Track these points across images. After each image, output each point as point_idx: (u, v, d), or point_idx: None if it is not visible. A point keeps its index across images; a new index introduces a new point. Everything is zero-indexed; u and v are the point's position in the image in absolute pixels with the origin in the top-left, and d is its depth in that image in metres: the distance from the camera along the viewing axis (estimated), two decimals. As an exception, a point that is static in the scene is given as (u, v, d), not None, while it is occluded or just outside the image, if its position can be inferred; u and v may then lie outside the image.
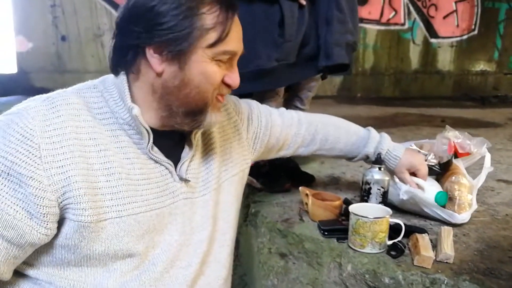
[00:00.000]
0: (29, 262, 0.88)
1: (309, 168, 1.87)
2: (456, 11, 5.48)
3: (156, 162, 0.92)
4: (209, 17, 0.83)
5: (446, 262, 1.06)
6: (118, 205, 0.85)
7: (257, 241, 1.40)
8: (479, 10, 5.54)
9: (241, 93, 1.24)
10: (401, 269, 1.06)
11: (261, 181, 1.68)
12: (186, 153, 0.97)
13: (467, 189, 1.32)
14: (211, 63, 0.86)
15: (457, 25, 5.48)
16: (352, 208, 1.16)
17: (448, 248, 1.08)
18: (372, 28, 5.29)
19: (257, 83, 1.56)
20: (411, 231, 1.19)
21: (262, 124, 1.21)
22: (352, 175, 1.82)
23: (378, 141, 1.35)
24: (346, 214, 1.25)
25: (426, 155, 1.42)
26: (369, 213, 1.12)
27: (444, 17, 5.47)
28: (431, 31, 5.46)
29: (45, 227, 0.81)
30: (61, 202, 0.80)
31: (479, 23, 5.49)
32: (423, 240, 1.12)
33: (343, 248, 1.18)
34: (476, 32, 5.51)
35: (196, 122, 0.91)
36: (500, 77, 5.64)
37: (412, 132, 2.99)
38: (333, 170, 1.86)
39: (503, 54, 5.55)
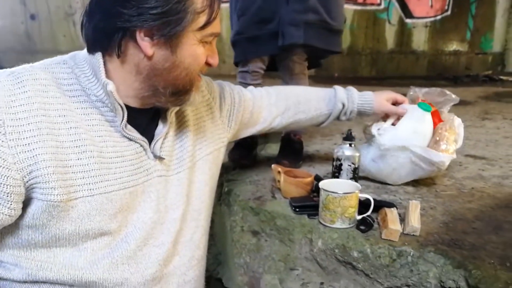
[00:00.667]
0: (-8, 244, 0.86)
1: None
2: (430, -9, 5.52)
3: (130, 139, 0.90)
4: (200, 0, 0.84)
5: (413, 235, 1.09)
6: (90, 183, 0.84)
7: (230, 220, 1.40)
8: (452, -9, 5.60)
9: None
10: (370, 242, 1.09)
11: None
12: (160, 130, 0.96)
13: (453, 136, 1.34)
14: (199, 45, 0.88)
15: (431, 6, 5.51)
16: (322, 184, 1.18)
17: (415, 221, 1.11)
18: (349, 8, 5.29)
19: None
20: (380, 205, 1.21)
21: (235, 101, 1.22)
22: (326, 153, 1.84)
23: (346, 88, 1.39)
24: (317, 190, 1.26)
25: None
26: (339, 188, 1.13)
27: (419, -3, 5.51)
28: (406, 12, 5.48)
29: (8, 207, 0.78)
30: (27, 181, 0.78)
31: (452, 4, 5.53)
32: (392, 214, 1.15)
33: (314, 224, 1.19)
34: (449, 12, 5.56)
35: (179, 101, 0.93)
36: (472, 57, 5.73)
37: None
38: (307, 148, 1.87)
39: (475, 35, 5.63)
